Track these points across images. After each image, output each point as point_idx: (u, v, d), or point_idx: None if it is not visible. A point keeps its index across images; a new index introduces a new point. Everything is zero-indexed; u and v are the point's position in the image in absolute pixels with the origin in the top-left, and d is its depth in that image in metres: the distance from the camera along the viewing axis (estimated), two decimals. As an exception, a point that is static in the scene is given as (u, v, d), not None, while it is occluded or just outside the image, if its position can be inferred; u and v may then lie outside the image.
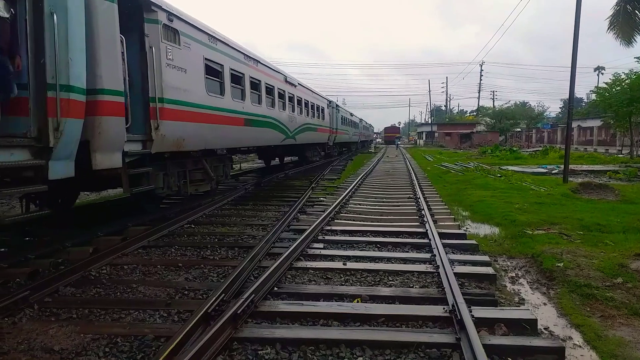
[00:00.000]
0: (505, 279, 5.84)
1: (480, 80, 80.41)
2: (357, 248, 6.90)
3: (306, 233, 7.13)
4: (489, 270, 5.72)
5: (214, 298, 4.32)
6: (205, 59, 9.50)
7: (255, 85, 12.71)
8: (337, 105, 30.41)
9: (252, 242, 7.20)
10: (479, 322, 3.95)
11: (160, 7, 7.67)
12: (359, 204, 10.91)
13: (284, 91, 15.72)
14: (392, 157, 36.08)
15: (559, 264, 5.98)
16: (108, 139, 6.17)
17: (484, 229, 8.83)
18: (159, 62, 7.61)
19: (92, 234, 7.20)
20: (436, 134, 77.12)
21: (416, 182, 14.96)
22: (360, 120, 49.68)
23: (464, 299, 4.35)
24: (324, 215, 8.62)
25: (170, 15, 8.01)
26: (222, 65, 10.39)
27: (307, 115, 19.88)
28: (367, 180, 16.48)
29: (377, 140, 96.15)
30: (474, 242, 7.16)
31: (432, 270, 5.66)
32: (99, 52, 5.95)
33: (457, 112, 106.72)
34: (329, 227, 8.16)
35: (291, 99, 16.81)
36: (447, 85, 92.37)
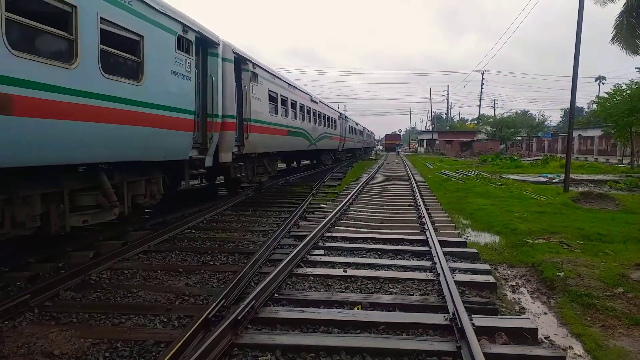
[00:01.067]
0: (505, 287, 5.84)
1: (482, 88, 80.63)
2: (358, 255, 6.90)
3: (307, 239, 7.14)
4: (489, 278, 5.72)
5: (215, 304, 4.32)
6: (269, 90, 13.38)
7: (293, 105, 16.72)
8: (346, 116, 34.69)
9: (253, 248, 7.20)
10: (480, 331, 3.95)
11: (250, 61, 11.55)
12: (360, 211, 10.92)
13: (310, 108, 19.84)
14: (393, 165, 36.10)
15: (559, 273, 5.97)
16: (228, 144, 10.04)
17: (485, 238, 8.83)
18: (248, 96, 11.38)
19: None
20: (437, 142, 77.22)
21: (417, 190, 14.97)
22: (364, 128, 53.18)
23: (465, 307, 4.35)
24: (324, 222, 8.63)
25: (255, 65, 11.93)
26: (277, 94, 14.32)
27: (324, 125, 23.92)
28: (368, 187, 16.49)
29: (378, 147, 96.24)
30: (474, 250, 7.16)
31: (432, 278, 5.66)
32: (226, 94, 9.76)
33: (458, 120, 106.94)
34: (329, 234, 8.16)
35: (314, 113, 20.80)
36: (448, 93, 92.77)
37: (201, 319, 3.97)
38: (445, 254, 6.55)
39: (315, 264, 6.35)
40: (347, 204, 11.47)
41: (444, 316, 4.34)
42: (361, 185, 16.52)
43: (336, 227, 8.83)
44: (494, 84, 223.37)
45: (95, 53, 5.70)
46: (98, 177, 6.42)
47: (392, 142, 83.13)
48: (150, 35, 6.86)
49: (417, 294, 5.18)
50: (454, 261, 6.52)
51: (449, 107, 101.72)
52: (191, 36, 8.18)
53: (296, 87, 17.39)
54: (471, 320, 4.07)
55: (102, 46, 5.82)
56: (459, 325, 3.96)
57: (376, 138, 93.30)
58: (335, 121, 27.64)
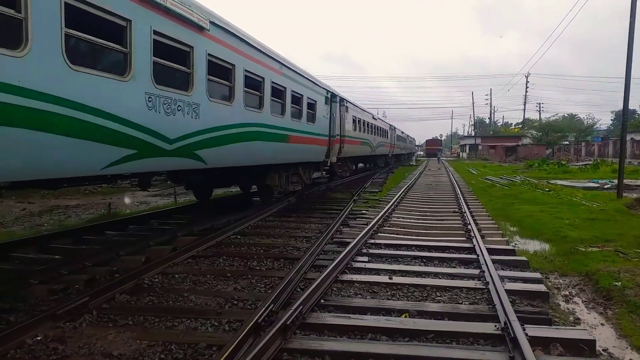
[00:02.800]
0: (558, 297, 5.64)
1: (526, 92, 78.33)
2: (403, 262, 6.85)
3: (350, 246, 7.14)
4: (541, 287, 5.55)
5: (264, 309, 4.39)
6: (353, 116, 20.80)
7: (363, 123, 23.67)
8: (394, 127, 40.73)
9: (297, 253, 7.27)
10: (533, 341, 3.84)
11: (343, 99, 18.46)
12: (403, 218, 10.83)
13: (371, 124, 26.47)
14: (435, 170, 35.60)
15: (616, 283, 5.72)
16: (335, 152, 16.88)
17: (534, 245, 8.57)
18: (343, 120, 18.10)
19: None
20: (480, 147, 75.55)
21: (461, 196, 14.70)
22: (407, 135, 57.53)
23: (517, 316, 4.24)
24: (367, 229, 8.60)
25: (345, 101, 19.02)
26: (359, 119, 22.28)
27: (381, 136, 30.74)
28: (410, 194, 16.33)
29: (419, 152, 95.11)
30: (524, 258, 6.96)
31: (481, 286, 5.54)
32: (336, 121, 16.70)
33: (502, 125, 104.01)
34: (372, 241, 8.14)
35: (374, 127, 27.50)
36: (490, 97, 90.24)
37: (251, 323, 4.04)
38: (493, 262, 6.40)
39: (360, 271, 6.34)
40: (390, 211, 11.40)
41: (495, 325, 4.25)
42: (403, 191, 16.37)
43: (379, 234, 8.79)
44: (539, 86, 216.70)
45: (305, 116, 13.00)
46: (297, 168, 13.58)
47: (433, 147, 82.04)
48: (319, 99, 14.42)
49: (466, 303, 5.08)
50: (503, 269, 6.36)
51: (492, 111, 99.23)
52: (328, 95, 15.60)
53: (364, 110, 24.80)
54: (524, 329, 3.96)
55: (309, 111, 13.64)
56: (512, 335, 3.86)
57: (416, 144, 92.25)
58: (387, 132, 34.47)
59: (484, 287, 5.50)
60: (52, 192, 16.25)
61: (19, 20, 4.30)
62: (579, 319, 4.94)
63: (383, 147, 31.90)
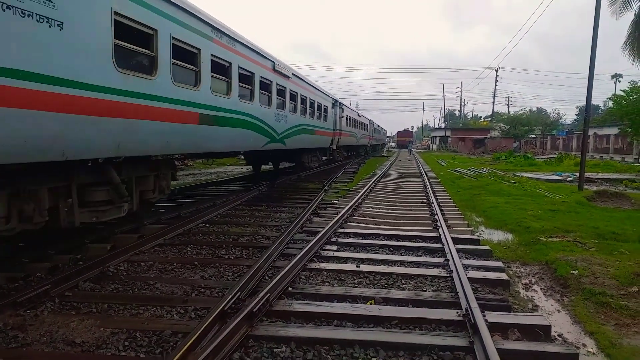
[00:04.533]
0: (518, 285, 5.84)
1: (496, 85, 79.88)
2: (370, 251, 6.95)
3: (319, 235, 7.19)
4: (502, 276, 5.72)
5: (230, 296, 4.40)
6: (346, 115, 27.85)
7: (352, 120, 31.02)
8: (372, 121, 47.74)
9: (266, 242, 7.28)
10: (493, 327, 3.98)
11: (340, 103, 25.67)
12: (372, 208, 10.95)
13: (357, 120, 34.24)
14: (405, 162, 36.02)
15: (573, 272, 5.96)
16: (335, 141, 24.14)
17: (498, 235, 8.81)
18: (339, 118, 24.82)
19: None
20: (450, 139, 76.76)
21: (429, 187, 14.95)
22: (380, 127, 62.04)
23: (478, 303, 4.37)
24: (337, 218, 8.67)
25: (341, 104, 25.87)
26: (349, 116, 28.95)
27: (363, 129, 38.01)
28: (380, 184, 16.50)
29: (390, 144, 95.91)
30: (487, 247, 7.16)
31: (445, 274, 5.68)
32: (336, 120, 23.86)
33: (472, 117, 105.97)
34: (342, 230, 8.21)
35: (359, 123, 35.44)
36: (461, 90, 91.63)
37: (217, 310, 4.05)
38: (458, 250, 6.56)
39: (328, 259, 6.40)
40: (360, 201, 11.50)
41: (457, 312, 4.37)
42: (373, 182, 16.53)
43: (349, 223, 8.88)
44: (508, 80, 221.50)
45: (322, 117, 20.32)
46: (315, 152, 21.31)
47: (404, 138, 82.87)
48: (329, 105, 21.39)
49: (430, 290, 5.21)
50: (467, 258, 6.53)
51: (462, 103, 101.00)
52: (333, 101, 22.66)
53: (352, 110, 32.84)
54: (484, 316, 4.09)
55: (324, 114, 20.80)
56: (472, 321, 3.99)
57: (388, 135, 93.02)
58: (367, 126, 41.98)
59: (448, 275, 5.64)
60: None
61: (153, 57, 6.90)
62: (537, 305, 5.13)
63: (364, 139, 39.79)
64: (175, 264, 6.06)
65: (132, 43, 6.49)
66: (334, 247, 7.05)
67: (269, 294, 4.51)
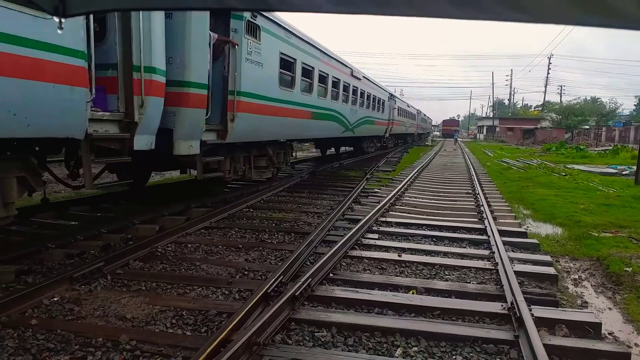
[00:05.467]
0: (567, 280, 5.64)
1: (548, 73, 76.58)
2: (413, 241, 6.88)
3: (361, 223, 7.17)
4: (550, 270, 5.53)
5: (273, 279, 4.48)
6: (398, 107, 31.55)
7: (403, 110, 34.30)
8: (419, 110, 49.87)
9: (308, 228, 7.33)
10: (539, 322, 3.86)
11: (393, 95, 29.15)
12: (415, 197, 10.81)
13: (407, 110, 37.59)
14: (450, 151, 35.31)
15: (627, 269, 5.69)
16: (388, 130, 28.33)
17: (546, 229, 8.52)
18: (392, 110, 28.22)
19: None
20: (498, 129, 74.43)
21: (475, 178, 14.60)
22: (426, 116, 63.09)
23: (524, 297, 4.25)
24: (378, 207, 8.62)
25: (394, 96, 29.21)
26: (400, 107, 32.52)
27: (411, 119, 41.05)
28: (424, 174, 16.26)
29: (435, 133, 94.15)
30: (535, 241, 6.94)
31: (490, 267, 5.56)
32: (390, 110, 27.85)
33: (521, 107, 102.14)
34: (383, 219, 8.16)
35: (409, 113, 38.16)
36: (511, 78, 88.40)
37: (261, 293, 4.13)
38: (504, 243, 6.39)
39: (369, 247, 6.39)
40: (402, 190, 11.39)
41: (502, 305, 4.27)
42: (416, 171, 16.30)
43: (390, 212, 8.81)
44: (562, 68, 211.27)
45: (380, 109, 24.03)
46: (372, 139, 25.43)
47: (450, 127, 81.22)
48: (385, 98, 24.97)
49: (474, 282, 5.11)
50: (513, 251, 6.36)
51: (512, 92, 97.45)
52: (388, 94, 25.96)
53: (403, 101, 35.30)
54: (530, 310, 3.98)
55: (382, 106, 24.47)
56: (518, 315, 3.89)
57: (433, 123, 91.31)
58: (415, 115, 44.39)
59: (493, 267, 5.51)
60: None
61: (292, 77, 10.72)
62: (586, 302, 4.94)
63: (412, 128, 42.28)
64: (220, 247, 6.22)
65: (285, 69, 10.28)
66: (376, 236, 7.03)
67: (310, 279, 4.56)
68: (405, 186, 12.10)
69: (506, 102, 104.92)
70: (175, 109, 6.63)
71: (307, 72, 11.73)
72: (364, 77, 18.73)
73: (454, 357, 3.49)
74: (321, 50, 12.79)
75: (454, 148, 41.56)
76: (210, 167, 8.16)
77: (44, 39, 4.21)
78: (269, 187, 10.94)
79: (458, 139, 59.48)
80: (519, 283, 4.77)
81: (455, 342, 3.67)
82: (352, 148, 25.40)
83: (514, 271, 5.11)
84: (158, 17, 5.92)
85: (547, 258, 6.09)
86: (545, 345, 3.38)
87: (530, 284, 5.14)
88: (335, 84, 14.65)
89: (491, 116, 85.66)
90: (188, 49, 6.63)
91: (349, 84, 16.27)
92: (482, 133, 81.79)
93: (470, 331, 3.79)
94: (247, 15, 8.09)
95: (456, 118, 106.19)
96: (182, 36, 6.58)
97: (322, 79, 13.18)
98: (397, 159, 23.48)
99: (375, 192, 11.35)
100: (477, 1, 1.32)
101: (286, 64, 10.28)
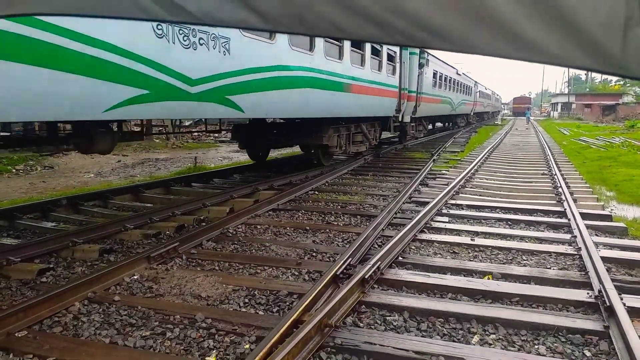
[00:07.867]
0: (661, 268, 5.15)
1: (632, 44, 70.17)
2: (486, 224, 6.59)
3: (430, 206, 6.96)
4: (641, 256, 5.09)
5: (342, 262, 4.44)
6: (480, 91, 41.71)
7: (486, 95, 46.85)
8: (477, 82, 47.29)
9: (374, 211, 7.23)
10: (632, 312, 3.55)
11: (477, 83, 38.71)
12: (486, 179, 10.37)
13: (489, 95, 49.92)
14: (522, 130, 33.61)
15: None
16: (473, 109, 37.65)
17: (634, 212, 7.86)
18: (476, 93, 38.12)
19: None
20: (573, 106, 69.74)
21: (551, 157, 13.78)
22: (492, 92, 61.19)
23: (613, 285, 3.93)
24: (447, 189, 8.33)
25: (477, 83, 39.39)
26: (482, 92, 44.42)
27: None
28: (495, 154, 15.57)
29: (504, 111, 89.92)
30: (622, 224, 6.42)
31: (572, 252, 5.20)
32: (475, 94, 38.32)
33: (600, 81, 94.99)
34: (453, 201, 7.88)
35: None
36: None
37: (330, 275, 4.11)
38: (587, 227, 5.96)
39: (439, 231, 6.19)
40: (472, 171, 10.95)
41: (588, 293, 3.97)
42: (487, 151, 15.63)
43: (460, 195, 8.50)
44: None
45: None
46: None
47: (521, 105, 77.34)
48: (472, 86, 34.37)
49: (555, 268, 4.80)
50: (597, 235, 5.92)
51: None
52: (474, 82, 35.70)
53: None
54: (622, 299, 3.67)
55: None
56: (607, 304, 3.59)
57: (503, 101, 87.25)
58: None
59: (576, 252, 5.15)
60: (143, 146, 17.40)
61: (435, 81, 20.27)
62: (685, 292, 4.49)
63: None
64: (288, 228, 6.27)
65: (434, 77, 19.46)
66: (445, 219, 6.80)
67: (379, 262, 4.47)
68: (476, 167, 11.63)
69: (583, 77, 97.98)
70: (404, 101, 14.80)
71: (440, 77, 20.95)
72: (463, 74, 28.98)
73: (536, 346, 3.29)
74: (445, 62, 22.51)
75: (526, 127, 39.45)
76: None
77: (387, 81, 13.20)
78: (333, 170, 10.90)
79: (530, 117, 55.64)
80: (606, 269, 4.42)
81: (536, 330, 3.47)
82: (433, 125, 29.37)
83: (600, 257, 4.74)
84: (408, 64, 15.02)
85: (637, 243, 5.61)
86: (641, 337, 3.10)
87: (618, 270, 4.76)
88: (449, 80, 23.44)
89: (566, 92, 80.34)
90: (412, 76, 15.60)
91: (455, 79, 25.42)
92: (557, 110, 77.05)
93: (553, 320, 3.56)
94: (424, 56, 16.63)
95: (527, 95, 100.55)
96: (410, 71, 15.38)
97: (445, 78, 22.40)
98: (465, 140, 22.62)
99: (443, 174, 11.01)
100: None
101: (434, 75, 19.65)
